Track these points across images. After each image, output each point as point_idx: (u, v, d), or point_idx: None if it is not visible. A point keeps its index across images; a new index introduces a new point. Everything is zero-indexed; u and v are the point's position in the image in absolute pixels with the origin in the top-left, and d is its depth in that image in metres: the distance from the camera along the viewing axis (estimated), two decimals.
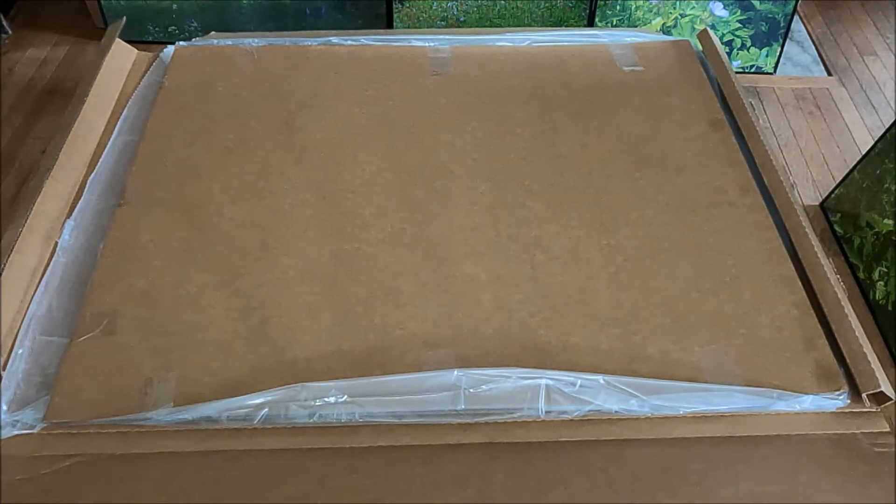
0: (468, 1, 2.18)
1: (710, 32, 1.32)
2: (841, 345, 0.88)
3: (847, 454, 0.82)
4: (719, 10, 2.16)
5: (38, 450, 0.80)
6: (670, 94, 1.23)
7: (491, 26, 2.22)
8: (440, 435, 0.82)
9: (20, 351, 0.88)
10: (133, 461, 0.80)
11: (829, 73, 2.36)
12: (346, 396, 0.82)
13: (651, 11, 2.16)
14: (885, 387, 0.82)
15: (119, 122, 1.17)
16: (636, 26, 2.19)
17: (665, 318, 0.92)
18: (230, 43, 1.32)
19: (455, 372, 0.83)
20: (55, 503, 0.76)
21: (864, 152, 1.60)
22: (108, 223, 1.02)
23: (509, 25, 2.22)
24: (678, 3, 2.14)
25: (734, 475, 0.80)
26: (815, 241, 0.97)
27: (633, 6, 2.15)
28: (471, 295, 0.95)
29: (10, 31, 2.39)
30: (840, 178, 1.77)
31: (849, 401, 0.84)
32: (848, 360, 0.87)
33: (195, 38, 1.39)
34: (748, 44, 2.23)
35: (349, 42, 1.32)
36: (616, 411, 0.84)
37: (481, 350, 0.89)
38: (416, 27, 2.23)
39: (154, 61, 1.30)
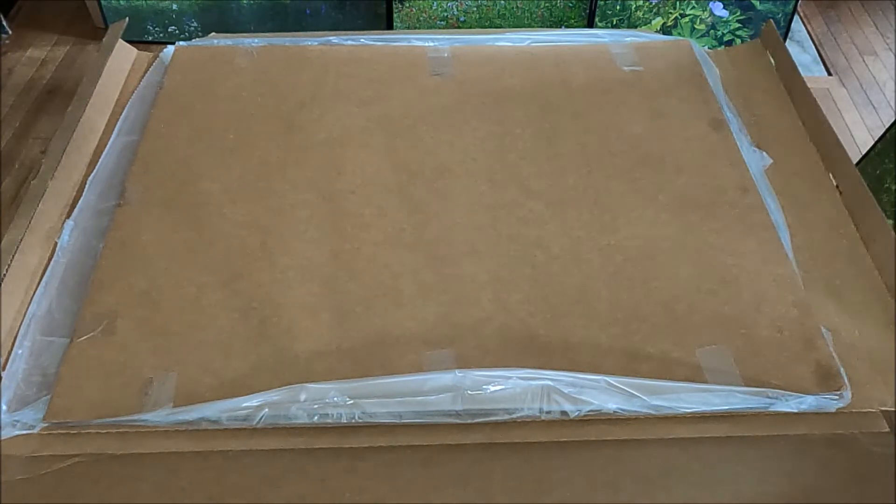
0: (468, 1, 2.18)
1: (772, 26, 1.30)
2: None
3: (847, 454, 0.82)
4: (719, 10, 2.16)
5: (38, 450, 0.80)
6: (670, 94, 1.23)
7: (491, 26, 2.23)
8: (440, 435, 0.82)
9: (20, 351, 0.88)
10: (133, 461, 0.80)
11: (829, 73, 2.36)
12: (346, 397, 0.82)
13: (651, 11, 2.16)
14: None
15: (119, 122, 1.17)
16: (636, 26, 2.19)
17: (665, 318, 0.92)
18: (230, 43, 1.32)
19: (455, 372, 0.83)
20: (55, 503, 0.76)
21: (864, 152, 1.60)
22: (108, 223, 1.02)
23: (509, 25, 2.22)
24: (678, 3, 2.14)
25: (734, 475, 0.80)
26: None
27: (633, 6, 2.15)
28: (471, 295, 0.95)
29: (10, 31, 2.39)
30: None
31: (849, 401, 0.84)
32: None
33: (195, 38, 1.39)
34: None
35: (349, 42, 1.32)
36: (616, 411, 0.84)
37: (481, 350, 0.89)
38: (416, 27, 2.23)
39: (154, 61, 1.30)
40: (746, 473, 0.80)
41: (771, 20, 1.36)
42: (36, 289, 0.94)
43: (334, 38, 1.33)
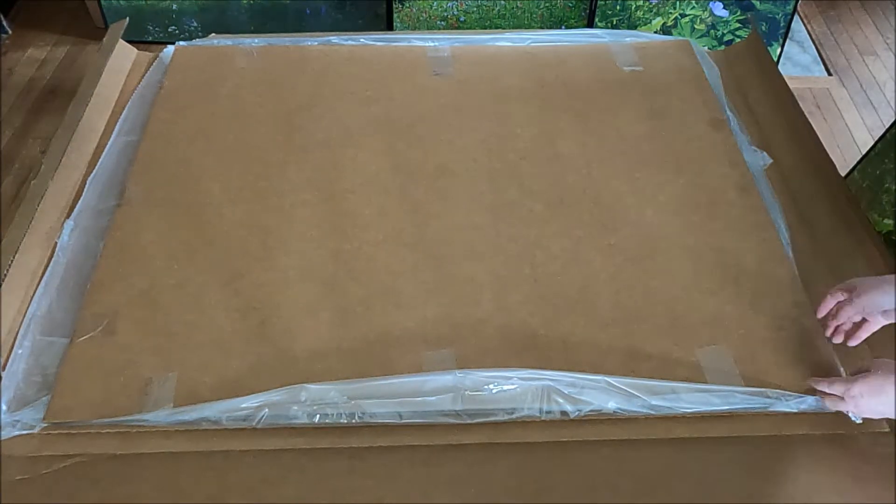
0: (468, 1, 2.18)
1: (757, 35, 1.31)
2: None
3: (847, 454, 0.82)
4: (719, 10, 2.16)
5: (38, 450, 0.80)
6: (670, 94, 1.23)
7: (491, 26, 2.22)
8: (440, 435, 0.82)
9: (20, 351, 0.88)
10: (133, 461, 0.80)
11: (829, 73, 2.36)
12: (346, 397, 0.82)
13: (651, 11, 2.16)
14: None
15: (119, 122, 1.17)
16: (636, 26, 2.19)
17: (665, 318, 0.92)
18: (230, 43, 1.32)
19: (455, 373, 0.83)
20: (55, 503, 0.76)
21: (864, 152, 1.60)
22: (108, 223, 1.02)
23: (509, 25, 2.22)
24: (678, 3, 2.14)
25: (734, 475, 0.80)
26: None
27: (633, 6, 2.15)
28: (471, 295, 0.94)
29: (10, 31, 2.39)
30: None
31: None
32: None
33: (195, 38, 1.38)
34: None
35: (349, 42, 1.32)
36: (616, 411, 0.84)
37: (481, 350, 0.89)
38: (416, 27, 2.23)
39: (154, 61, 1.30)
40: (746, 473, 0.80)
41: (755, 29, 1.36)
42: (36, 289, 0.94)
43: (334, 38, 1.33)
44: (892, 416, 0.78)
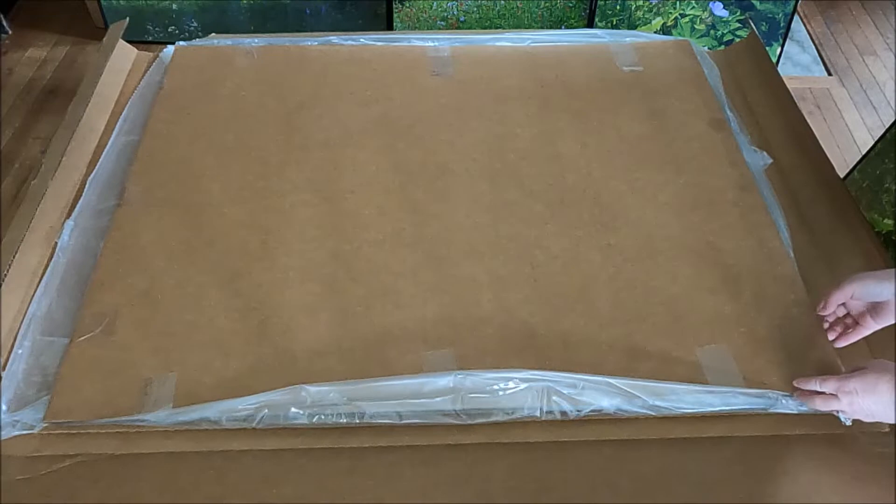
0: (468, 1, 2.18)
1: (756, 36, 1.32)
2: None
3: (847, 454, 0.82)
4: (719, 10, 2.16)
5: (38, 450, 0.80)
6: (670, 94, 1.23)
7: (491, 26, 2.22)
8: (440, 435, 0.82)
9: (20, 351, 0.88)
10: (133, 461, 0.80)
11: (829, 73, 2.36)
12: (346, 398, 0.82)
13: (651, 11, 2.16)
14: None
15: (119, 122, 1.17)
16: (636, 26, 2.19)
17: (665, 318, 0.92)
18: (230, 43, 1.32)
19: (455, 374, 0.83)
20: (55, 503, 0.76)
21: (864, 152, 1.60)
22: (108, 223, 1.02)
23: (509, 25, 2.22)
24: (678, 3, 2.14)
25: (734, 475, 0.80)
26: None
27: (633, 6, 2.15)
28: (471, 295, 0.94)
29: (10, 31, 2.39)
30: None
31: None
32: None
33: (195, 38, 1.38)
34: None
35: (349, 42, 1.32)
36: (616, 411, 0.84)
37: (481, 350, 0.89)
38: (416, 27, 2.23)
39: (154, 61, 1.30)
40: (746, 474, 0.80)
41: (754, 30, 1.36)
42: (36, 289, 0.94)
43: (334, 38, 1.33)
44: (885, 420, 0.77)
